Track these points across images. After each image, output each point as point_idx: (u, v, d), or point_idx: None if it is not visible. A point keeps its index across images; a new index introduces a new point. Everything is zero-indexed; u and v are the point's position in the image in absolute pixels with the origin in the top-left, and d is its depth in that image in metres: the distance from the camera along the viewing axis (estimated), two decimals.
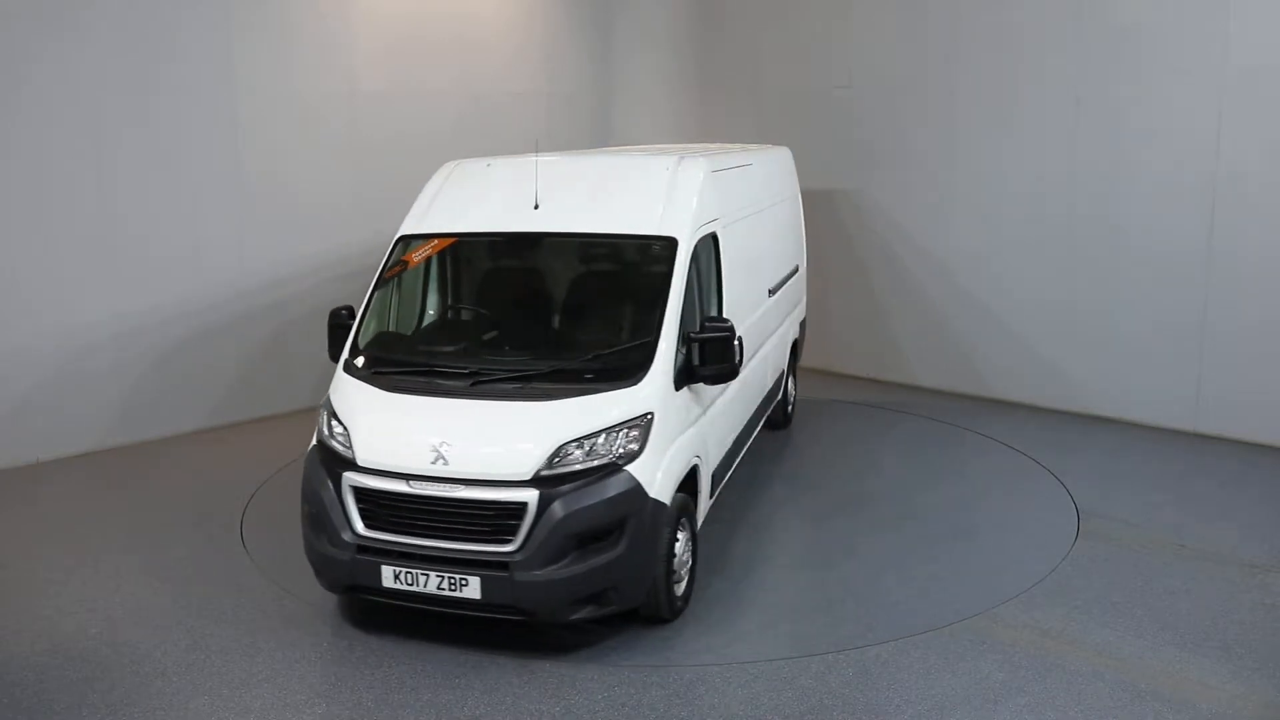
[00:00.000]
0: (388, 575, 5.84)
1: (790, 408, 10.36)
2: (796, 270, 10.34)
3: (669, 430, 6.12)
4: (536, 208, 6.89)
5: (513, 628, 6.16)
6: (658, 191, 6.88)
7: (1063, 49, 10.43)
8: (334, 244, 10.84)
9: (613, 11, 13.37)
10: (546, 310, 7.21)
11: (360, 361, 6.62)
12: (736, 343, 7.14)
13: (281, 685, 5.70)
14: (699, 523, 6.81)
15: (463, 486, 5.74)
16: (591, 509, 5.70)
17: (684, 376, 6.33)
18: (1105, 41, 10.16)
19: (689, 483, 6.48)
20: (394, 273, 7.10)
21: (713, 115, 13.55)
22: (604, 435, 5.85)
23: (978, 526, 7.89)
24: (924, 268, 11.76)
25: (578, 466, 5.77)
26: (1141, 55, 9.96)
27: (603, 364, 6.26)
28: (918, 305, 11.88)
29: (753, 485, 8.71)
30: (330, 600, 6.52)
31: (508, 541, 5.69)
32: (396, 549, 5.85)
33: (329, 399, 6.45)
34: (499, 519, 5.71)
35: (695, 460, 6.51)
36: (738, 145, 10.53)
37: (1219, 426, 9.91)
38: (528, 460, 5.74)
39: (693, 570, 6.52)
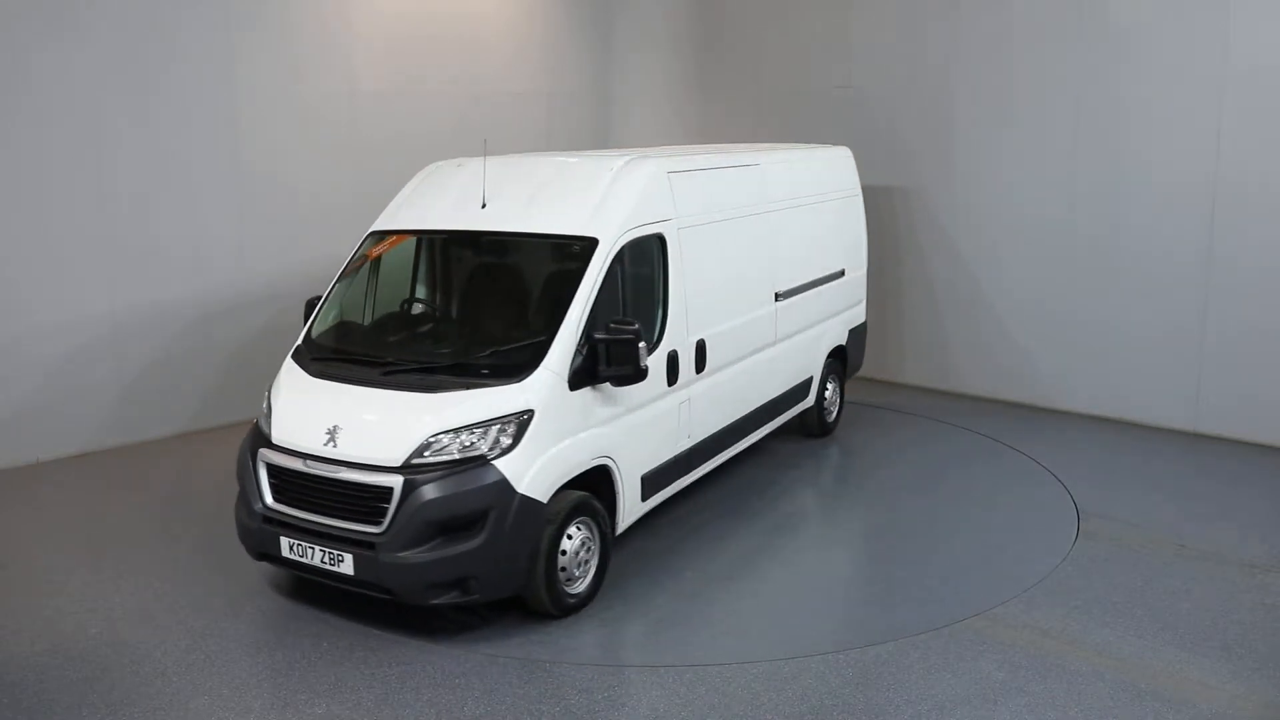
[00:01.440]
0: (285, 546, 6.23)
1: (833, 416, 10.13)
2: (842, 274, 9.95)
3: (556, 428, 6.18)
4: (484, 207, 7.08)
5: (516, 628, 6.18)
6: (596, 192, 6.93)
7: (1063, 49, 10.44)
8: (334, 244, 10.81)
9: (613, 11, 13.37)
10: (474, 305, 7.42)
11: (305, 348, 6.99)
12: (700, 348, 7.24)
13: (281, 685, 5.70)
14: (621, 524, 6.82)
15: (345, 469, 6.03)
16: (451, 498, 5.85)
17: (586, 376, 6.37)
18: (1105, 42, 10.17)
19: (604, 484, 6.58)
20: (356, 266, 7.42)
21: (713, 115, 13.54)
22: (478, 429, 5.98)
23: (978, 526, 7.89)
24: (922, 267, 11.77)
25: (446, 457, 5.92)
26: (1141, 55, 9.97)
27: (498, 360, 6.38)
28: (916, 305, 11.88)
29: (752, 487, 8.71)
30: (331, 600, 6.52)
31: (377, 523, 5.93)
32: (292, 522, 6.22)
33: (273, 382, 6.79)
34: (370, 501, 5.96)
35: (602, 461, 6.52)
36: (798, 146, 10.37)
37: (1219, 426, 9.92)
38: (399, 447, 5.94)
39: (601, 570, 6.54)
